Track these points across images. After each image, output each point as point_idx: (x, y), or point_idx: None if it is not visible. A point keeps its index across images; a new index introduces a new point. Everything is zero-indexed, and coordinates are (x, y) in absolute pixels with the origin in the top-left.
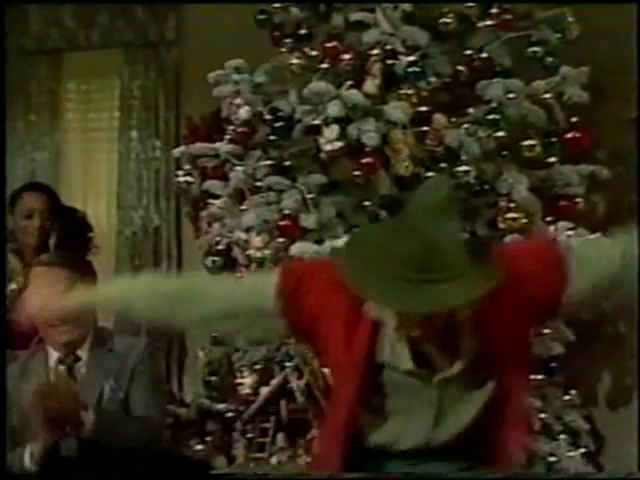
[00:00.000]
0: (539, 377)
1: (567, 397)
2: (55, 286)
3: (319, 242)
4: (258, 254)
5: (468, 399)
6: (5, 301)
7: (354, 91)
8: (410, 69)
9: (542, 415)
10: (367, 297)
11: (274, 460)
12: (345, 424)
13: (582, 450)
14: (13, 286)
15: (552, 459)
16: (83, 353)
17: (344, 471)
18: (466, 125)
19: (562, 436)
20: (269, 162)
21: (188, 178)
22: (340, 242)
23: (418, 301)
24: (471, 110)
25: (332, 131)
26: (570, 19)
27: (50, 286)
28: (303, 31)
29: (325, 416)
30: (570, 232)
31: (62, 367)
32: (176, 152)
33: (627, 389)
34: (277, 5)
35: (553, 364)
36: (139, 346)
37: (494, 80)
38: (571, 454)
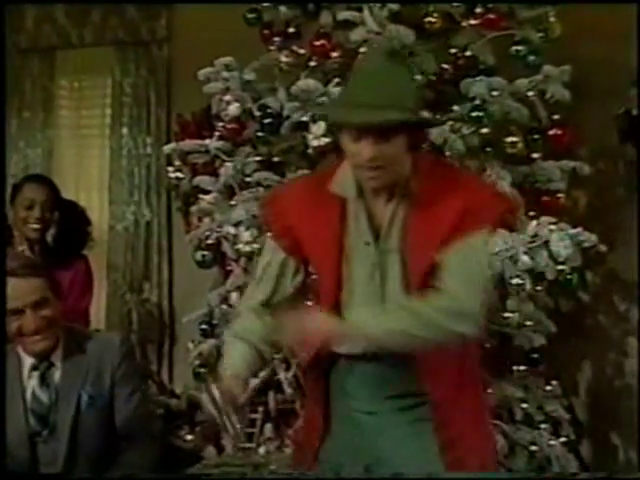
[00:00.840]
0: (521, 368)
1: (548, 387)
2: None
3: None
4: (247, 248)
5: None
6: (5, 302)
7: (341, 88)
8: None
9: (524, 405)
10: (330, 119)
11: (262, 450)
12: (330, 311)
13: (563, 439)
14: None
15: (533, 448)
16: (56, 359)
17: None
18: (450, 122)
19: (543, 425)
20: (258, 158)
21: (179, 174)
22: None
23: (365, 116)
24: (455, 107)
25: (319, 127)
26: (552, 19)
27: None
28: (292, 29)
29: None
30: (552, 226)
31: (36, 373)
32: (167, 148)
33: (607, 379)
34: (266, 4)
35: (535, 355)
36: (113, 346)
37: (478, 78)
38: (552, 443)
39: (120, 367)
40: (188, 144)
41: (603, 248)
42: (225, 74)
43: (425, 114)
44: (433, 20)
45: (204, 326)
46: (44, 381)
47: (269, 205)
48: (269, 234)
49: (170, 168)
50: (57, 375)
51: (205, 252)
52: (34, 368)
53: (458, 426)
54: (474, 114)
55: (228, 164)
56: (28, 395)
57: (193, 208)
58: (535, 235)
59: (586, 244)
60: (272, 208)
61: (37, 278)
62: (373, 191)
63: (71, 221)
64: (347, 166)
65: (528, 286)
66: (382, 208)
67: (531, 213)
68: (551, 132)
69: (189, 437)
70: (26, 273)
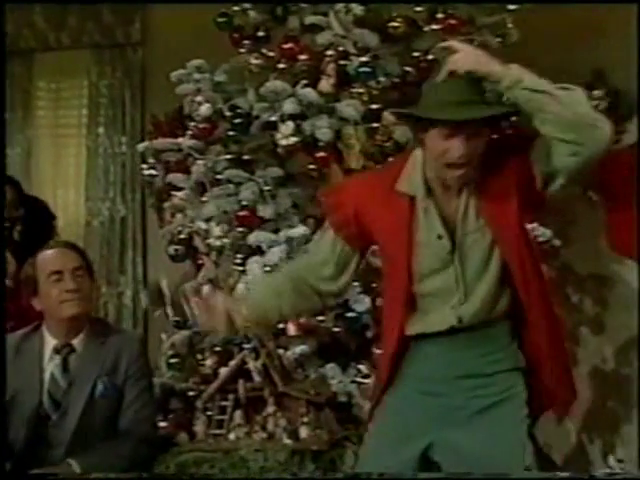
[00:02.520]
0: None
1: None
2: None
3: (276, 231)
4: (218, 243)
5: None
6: (4, 299)
7: (309, 89)
8: (361, 69)
9: None
10: (426, 117)
11: (232, 436)
12: (404, 301)
13: None
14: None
15: None
16: (78, 344)
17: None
18: None
19: None
20: (229, 156)
21: (152, 171)
22: (296, 232)
23: (465, 112)
24: None
25: (288, 127)
26: (510, 25)
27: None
28: (261, 33)
29: (383, 306)
30: None
31: (57, 357)
32: (141, 147)
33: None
34: (236, 8)
35: None
36: (132, 341)
37: None
38: None
39: (135, 364)
40: (161, 143)
41: (557, 242)
42: (197, 76)
43: None
44: (397, 25)
45: (177, 318)
46: (65, 366)
47: (330, 196)
48: (327, 224)
49: (144, 166)
50: (77, 361)
51: (177, 246)
52: (56, 352)
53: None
54: None
55: (200, 162)
56: (46, 377)
57: (166, 204)
58: None
59: (541, 238)
60: (334, 199)
61: (74, 252)
62: (444, 186)
63: (36, 217)
64: (414, 164)
65: None
66: (453, 201)
67: None
68: (510, 132)
69: (163, 424)
70: (64, 245)
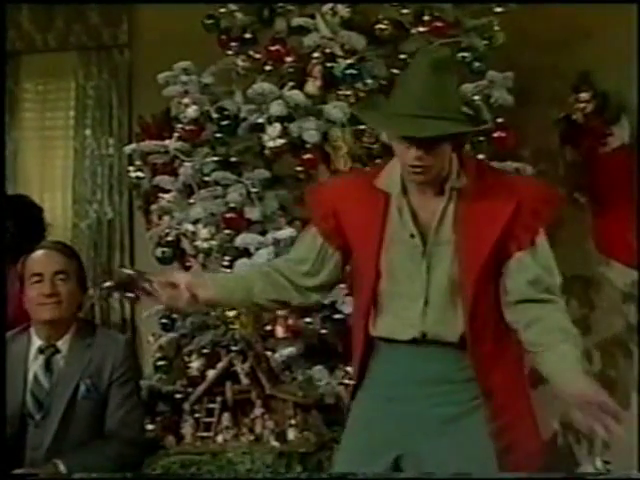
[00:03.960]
0: None
1: None
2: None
3: (263, 233)
4: (205, 245)
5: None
6: (5, 302)
7: (296, 91)
8: (348, 71)
9: None
10: (380, 129)
11: (219, 438)
12: (370, 299)
13: None
14: None
15: None
16: (63, 345)
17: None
18: None
19: None
20: (216, 158)
21: (139, 173)
22: (283, 233)
23: (416, 128)
24: None
25: (275, 129)
26: (496, 28)
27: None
28: (248, 35)
29: (354, 297)
30: None
31: (41, 357)
32: (128, 149)
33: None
34: (223, 10)
35: None
36: (119, 344)
37: None
38: None
39: (120, 367)
40: (148, 145)
41: None
42: (184, 78)
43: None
44: (383, 27)
45: (164, 320)
46: (48, 366)
47: (314, 193)
48: (311, 220)
49: (131, 168)
50: (61, 362)
51: (165, 249)
52: (40, 351)
53: (512, 413)
54: None
55: (187, 164)
56: (30, 377)
57: (153, 206)
58: None
59: None
60: (316, 196)
61: (60, 255)
62: (419, 187)
63: (24, 214)
64: (394, 164)
65: None
66: (430, 203)
67: None
68: (495, 135)
69: (150, 427)
70: (53, 247)
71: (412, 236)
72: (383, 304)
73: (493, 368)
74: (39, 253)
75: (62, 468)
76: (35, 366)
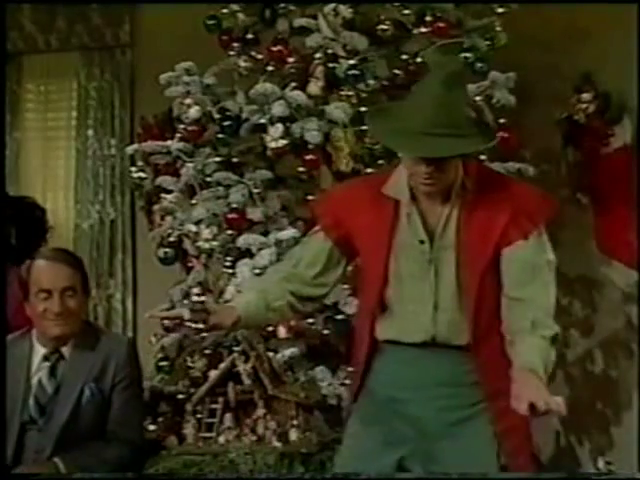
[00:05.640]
0: None
1: None
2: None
3: (265, 234)
4: (207, 245)
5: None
6: (5, 303)
7: (298, 92)
8: (350, 72)
9: None
10: (388, 146)
11: (221, 439)
12: (376, 304)
13: None
14: None
15: None
16: (67, 352)
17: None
18: None
19: None
20: (218, 159)
21: (141, 174)
22: (285, 234)
23: (429, 148)
24: None
25: (277, 130)
26: (498, 28)
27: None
28: (250, 36)
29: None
30: None
31: (46, 364)
32: (130, 149)
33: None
34: (225, 11)
35: None
36: (121, 346)
37: None
38: None
39: (123, 369)
40: (151, 145)
41: None
42: (186, 78)
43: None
44: (385, 27)
45: (166, 321)
46: (53, 372)
47: (321, 201)
48: (317, 228)
49: (133, 168)
50: (65, 367)
51: (167, 249)
52: (45, 359)
53: (515, 417)
54: None
55: (189, 164)
56: (34, 382)
57: (155, 207)
58: None
59: None
60: (324, 203)
61: (69, 267)
62: (427, 194)
63: (26, 215)
64: (402, 170)
65: None
66: (437, 209)
67: None
68: (497, 135)
69: (152, 427)
70: (60, 259)
71: (422, 242)
72: (391, 308)
73: (497, 371)
74: (45, 266)
75: (62, 467)
76: (40, 373)
